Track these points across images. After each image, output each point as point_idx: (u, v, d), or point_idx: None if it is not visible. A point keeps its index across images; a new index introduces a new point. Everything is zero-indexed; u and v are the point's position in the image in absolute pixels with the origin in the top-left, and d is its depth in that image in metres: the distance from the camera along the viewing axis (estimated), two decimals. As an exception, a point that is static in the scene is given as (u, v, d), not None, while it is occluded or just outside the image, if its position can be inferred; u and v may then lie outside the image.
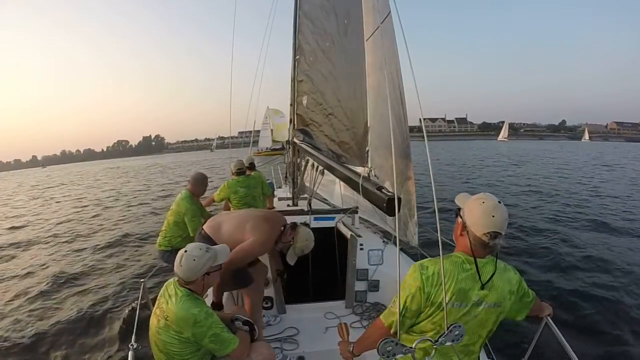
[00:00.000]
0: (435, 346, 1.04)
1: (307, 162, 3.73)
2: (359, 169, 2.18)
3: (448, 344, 1.02)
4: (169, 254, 3.01)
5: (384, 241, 2.82)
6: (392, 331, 1.17)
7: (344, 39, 2.58)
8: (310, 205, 3.13)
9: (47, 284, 4.93)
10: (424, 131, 1.21)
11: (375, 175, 1.97)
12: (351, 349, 1.41)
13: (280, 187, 6.74)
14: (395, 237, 1.53)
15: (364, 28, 2.21)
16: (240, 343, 1.60)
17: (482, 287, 1.14)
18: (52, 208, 12.69)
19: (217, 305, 2.14)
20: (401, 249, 1.32)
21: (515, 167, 20.35)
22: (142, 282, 2.23)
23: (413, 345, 1.03)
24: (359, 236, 2.69)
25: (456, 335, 1.01)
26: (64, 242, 7.36)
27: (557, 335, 1.50)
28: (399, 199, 1.45)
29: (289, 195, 4.63)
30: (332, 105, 2.84)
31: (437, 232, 1.10)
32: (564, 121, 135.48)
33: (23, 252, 6.79)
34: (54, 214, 11.19)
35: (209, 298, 2.11)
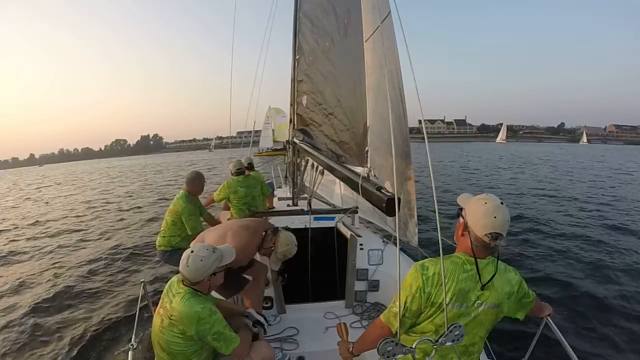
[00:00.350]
0: (435, 346, 1.04)
1: (307, 162, 3.73)
2: (359, 169, 2.18)
3: (448, 344, 1.02)
4: (169, 254, 3.01)
5: (384, 241, 2.82)
6: (392, 331, 1.17)
7: (343, 39, 2.58)
8: (310, 205, 3.13)
9: (47, 284, 4.93)
10: (425, 132, 1.21)
11: (375, 176, 1.97)
12: (351, 348, 1.41)
13: (280, 187, 6.74)
14: (395, 237, 1.53)
15: (364, 28, 2.21)
16: (241, 342, 1.60)
17: (482, 288, 1.14)
18: (47, 208, 12.68)
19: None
20: (401, 249, 1.32)
21: (519, 171, 20.32)
22: (142, 282, 2.22)
23: (413, 346, 1.03)
24: (359, 236, 2.68)
25: (456, 335, 1.01)
26: (63, 242, 7.36)
27: (557, 335, 1.50)
28: (399, 199, 1.45)
29: (289, 195, 4.63)
30: (331, 105, 2.84)
31: (438, 233, 1.10)
32: (562, 124, 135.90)
33: (21, 251, 6.79)
34: (49, 213, 11.19)
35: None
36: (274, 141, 32.28)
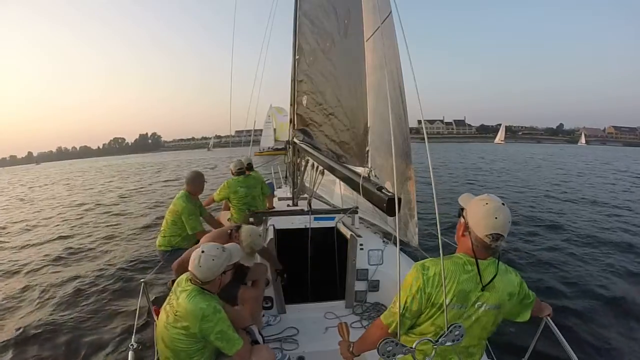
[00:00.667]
0: (435, 346, 1.04)
1: (307, 162, 3.73)
2: (359, 169, 2.18)
3: (448, 344, 1.02)
4: (169, 254, 3.01)
5: (384, 241, 2.82)
6: (391, 331, 1.17)
7: (344, 39, 2.58)
8: (310, 205, 3.13)
9: (47, 284, 4.93)
10: (425, 132, 1.21)
11: (375, 176, 1.97)
12: (351, 348, 1.41)
13: (280, 187, 6.74)
14: (395, 237, 1.53)
15: (364, 28, 2.21)
16: (244, 345, 1.60)
17: (483, 289, 1.13)
18: (48, 207, 12.67)
19: None
20: (401, 249, 1.32)
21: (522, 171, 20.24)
22: (142, 282, 2.22)
23: (413, 346, 1.03)
24: (359, 236, 2.68)
25: (456, 335, 1.01)
26: (63, 241, 7.35)
27: (557, 335, 1.50)
28: (399, 199, 1.45)
29: (289, 195, 4.63)
30: (332, 105, 2.84)
31: (438, 233, 1.10)
32: (561, 124, 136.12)
33: (21, 249, 6.79)
34: (51, 211, 11.19)
35: None
36: (276, 140, 32.07)
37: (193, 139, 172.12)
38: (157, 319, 1.96)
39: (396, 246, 1.21)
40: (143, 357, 2.32)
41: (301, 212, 3.05)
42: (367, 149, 2.17)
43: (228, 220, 3.84)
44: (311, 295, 2.73)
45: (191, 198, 3.05)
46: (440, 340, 1.02)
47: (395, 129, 1.88)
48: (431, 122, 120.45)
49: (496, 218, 1.07)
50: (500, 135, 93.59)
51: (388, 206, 1.58)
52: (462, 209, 1.19)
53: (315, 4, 3.19)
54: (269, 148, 32.10)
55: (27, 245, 7.27)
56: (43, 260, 6.11)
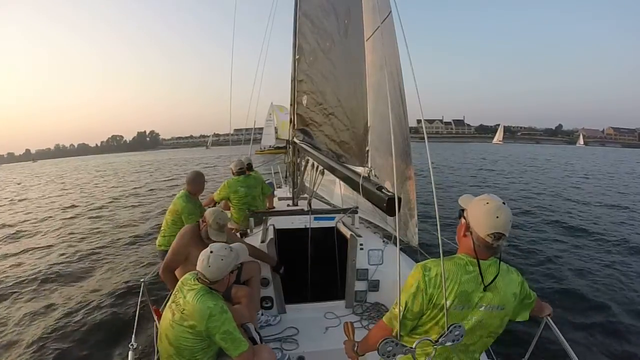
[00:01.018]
0: (435, 346, 1.04)
1: (307, 162, 3.73)
2: (359, 169, 2.18)
3: (448, 344, 1.02)
4: (169, 253, 3.01)
5: (384, 241, 2.81)
6: (393, 332, 1.17)
7: (343, 39, 2.58)
8: (310, 205, 3.13)
9: (46, 283, 4.93)
10: (425, 132, 1.22)
11: (375, 175, 1.97)
12: (355, 347, 1.42)
13: (280, 187, 6.73)
14: (395, 237, 1.53)
15: (364, 28, 2.21)
16: (249, 348, 1.60)
17: (485, 289, 1.13)
18: (48, 207, 12.68)
19: None
20: (401, 249, 1.32)
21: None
22: (142, 282, 2.22)
23: (413, 346, 1.03)
24: (359, 236, 2.68)
25: (456, 335, 1.01)
26: (62, 241, 7.36)
27: (557, 335, 1.50)
28: (399, 199, 1.45)
29: (289, 195, 4.63)
30: (332, 105, 2.84)
31: (438, 233, 1.10)
32: (560, 125, 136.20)
33: (20, 251, 6.79)
34: (50, 211, 11.19)
35: None
36: (277, 139, 31.81)
37: (191, 137, 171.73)
38: (157, 319, 1.96)
39: (396, 246, 1.21)
40: (143, 357, 2.32)
41: (301, 212, 3.05)
42: (367, 148, 2.17)
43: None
44: (311, 295, 2.73)
45: (191, 198, 3.05)
46: (440, 340, 1.02)
47: (395, 128, 1.88)
48: (430, 121, 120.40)
49: (497, 217, 1.07)
50: (499, 136, 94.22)
51: (388, 206, 1.58)
52: (463, 210, 1.20)
53: (315, 4, 3.19)
54: (269, 146, 31.91)
55: (28, 242, 7.28)
56: (42, 258, 6.12)
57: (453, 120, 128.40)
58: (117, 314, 3.93)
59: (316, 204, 3.80)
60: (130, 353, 1.63)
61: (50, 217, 10.32)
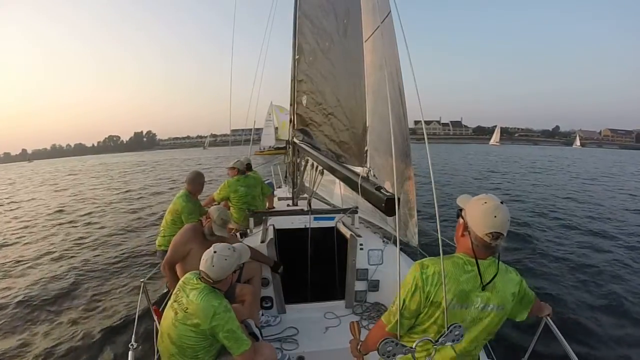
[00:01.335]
0: (435, 346, 1.04)
1: (306, 162, 3.73)
2: (359, 169, 2.17)
3: (448, 344, 1.02)
4: (169, 254, 3.01)
5: (384, 241, 2.81)
6: (390, 330, 1.17)
7: (343, 39, 2.58)
8: (310, 205, 3.13)
9: (47, 283, 4.93)
10: (425, 133, 1.22)
11: (374, 175, 1.97)
12: (359, 346, 1.42)
13: (280, 187, 6.73)
14: (395, 237, 1.53)
15: (364, 28, 2.21)
16: (251, 347, 1.62)
17: (484, 289, 1.13)
18: (47, 205, 12.67)
19: None
20: (401, 249, 1.32)
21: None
22: (142, 282, 2.22)
23: (413, 346, 1.03)
24: (359, 236, 2.68)
25: (456, 335, 1.01)
26: (62, 241, 7.35)
27: (557, 335, 1.50)
28: (398, 199, 1.45)
29: (289, 195, 4.63)
30: (331, 105, 2.84)
31: (438, 233, 1.10)
32: (557, 127, 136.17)
33: (21, 247, 6.79)
34: (49, 210, 11.18)
35: None
36: (277, 139, 31.55)
37: (188, 137, 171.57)
38: (157, 318, 1.96)
39: (396, 246, 1.21)
40: (143, 357, 2.32)
41: (301, 212, 3.05)
42: (366, 148, 2.17)
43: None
44: (311, 295, 2.73)
45: (191, 197, 3.06)
46: (440, 340, 1.02)
47: (395, 128, 1.88)
48: (428, 123, 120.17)
49: (495, 217, 1.08)
50: (496, 137, 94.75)
51: (387, 206, 1.58)
52: (461, 210, 1.20)
53: (315, 4, 3.19)
54: (269, 147, 31.67)
55: (23, 246, 7.27)
56: (42, 257, 6.11)
57: (450, 121, 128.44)
58: (117, 314, 3.93)
59: (316, 204, 3.80)
60: (130, 353, 1.64)
61: (48, 218, 10.32)
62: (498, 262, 1.16)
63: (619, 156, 47.78)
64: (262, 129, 33.29)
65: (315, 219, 2.95)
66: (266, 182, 4.50)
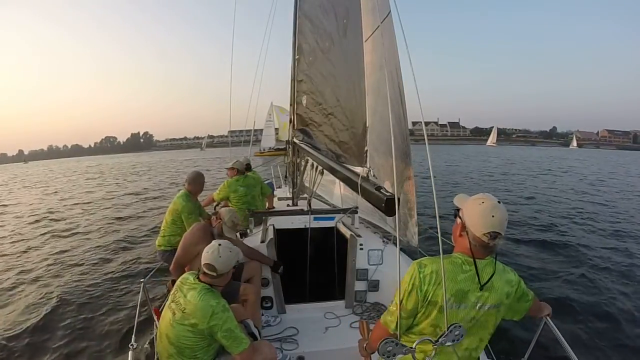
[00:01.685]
0: (435, 346, 1.04)
1: (306, 162, 3.73)
2: (359, 169, 2.17)
3: (448, 344, 1.02)
4: (169, 253, 3.01)
5: (383, 241, 2.81)
6: (390, 331, 1.17)
7: (343, 39, 2.58)
8: (310, 205, 3.13)
9: (46, 284, 4.93)
10: (425, 133, 1.22)
11: (374, 175, 1.97)
12: (365, 346, 1.43)
13: (280, 187, 6.74)
14: (395, 237, 1.53)
15: (364, 28, 2.21)
16: (249, 346, 1.62)
17: (481, 288, 1.13)
18: (47, 205, 12.67)
19: None
20: (401, 249, 1.32)
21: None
22: (142, 282, 2.23)
23: (413, 346, 1.03)
24: (359, 236, 2.68)
25: (456, 335, 1.01)
26: (62, 241, 7.35)
27: (557, 335, 1.50)
28: (398, 199, 1.45)
29: (289, 195, 4.63)
30: (331, 105, 2.84)
31: (437, 233, 1.10)
32: (554, 128, 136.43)
33: (20, 249, 6.78)
34: (47, 209, 11.18)
35: None
36: (278, 140, 31.34)
37: (185, 138, 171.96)
38: (157, 319, 1.96)
39: (396, 246, 1.21)
40: (143, 357, 2.32)
41: (301, 212, 3.05)
42: (365, 148, 2.17)
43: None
44: (311, 295, 2.73)
45: (191, 197, 3.06)
46: (440, 340, 1.02)
47: (395, 128, 1.87)
48: (426, 123, 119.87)
49: (493, 216, 1.07)
50: (492, 138, 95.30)
51: (386, 206, 1.58)
52: (458, 210, 1.19)
53: (315, 4, 3.19)
54: (269, 148, 31.47)
55: (30, 237, 7.27)
56: (41, 258, 6.11)
57: (448, 122, 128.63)
58: (117, 314, 3.93)
59: (316, 204, 3.80)
60: (130, 353, 1.64)
61: (46, 217, 10.31)
62: (495, 262, 1.16)
63: (618, 156, 47.59)
64: (262, 129, 33.11)
65: (315, 219, 2.95)
66: (266, 182, 4.50)
